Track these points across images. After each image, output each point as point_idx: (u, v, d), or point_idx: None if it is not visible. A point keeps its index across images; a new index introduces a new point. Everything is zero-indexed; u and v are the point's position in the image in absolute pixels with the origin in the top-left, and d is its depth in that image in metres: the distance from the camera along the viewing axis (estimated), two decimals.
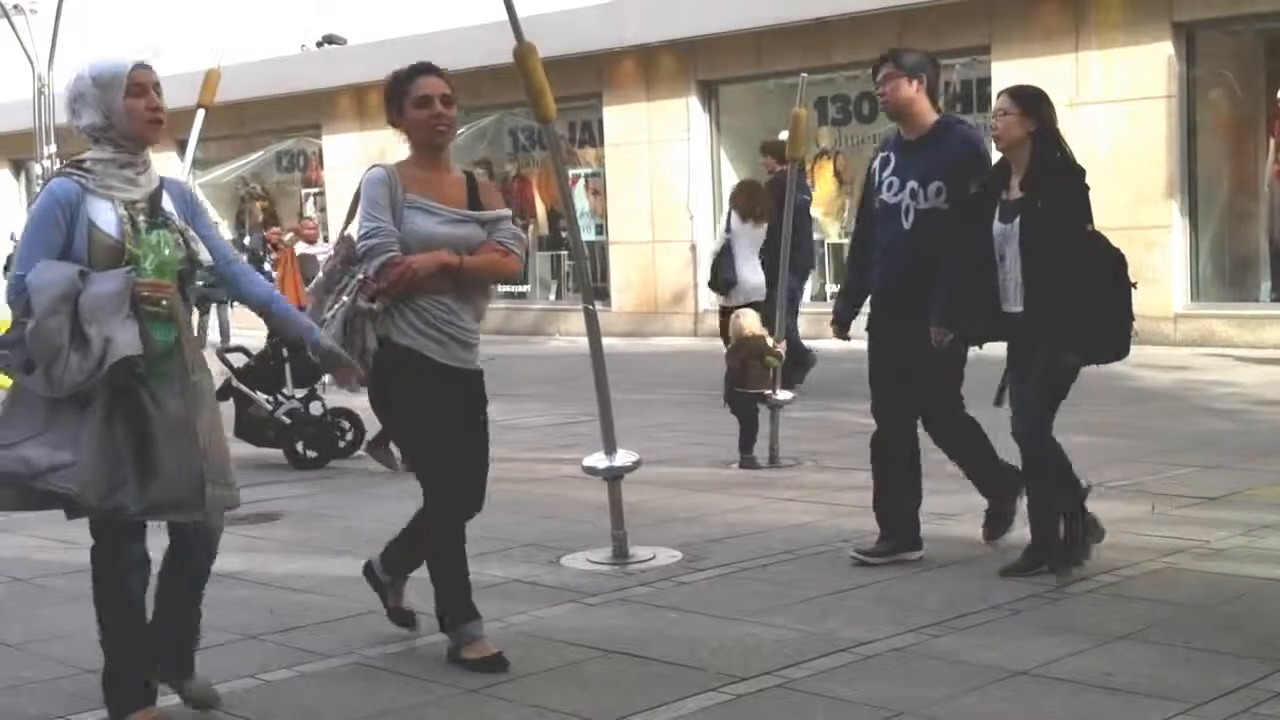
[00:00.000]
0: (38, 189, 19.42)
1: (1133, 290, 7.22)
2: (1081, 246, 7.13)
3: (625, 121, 25.18)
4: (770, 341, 11.19)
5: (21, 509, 5.28)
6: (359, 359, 5.97)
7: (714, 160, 24.62)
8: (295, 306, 6.25)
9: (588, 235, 24.89)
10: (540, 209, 27.68)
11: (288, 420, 11.90)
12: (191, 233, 5.47)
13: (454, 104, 6.21)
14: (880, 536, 7.73)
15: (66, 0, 18.97)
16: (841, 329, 8.03)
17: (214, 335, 27.69)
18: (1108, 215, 19.37)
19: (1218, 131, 20.21)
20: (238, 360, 12.25)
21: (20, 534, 9.27)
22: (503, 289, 24.58)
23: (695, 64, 24.26)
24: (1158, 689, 5.50)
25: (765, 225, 13.87)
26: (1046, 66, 19.81)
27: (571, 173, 24.46)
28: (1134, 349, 7.28)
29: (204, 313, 28.24)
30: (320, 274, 6.36)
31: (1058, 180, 7.19)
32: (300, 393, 12.09)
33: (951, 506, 8.36)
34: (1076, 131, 19.64)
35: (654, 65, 24.89)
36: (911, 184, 7.60)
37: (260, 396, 11.98)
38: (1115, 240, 7.31)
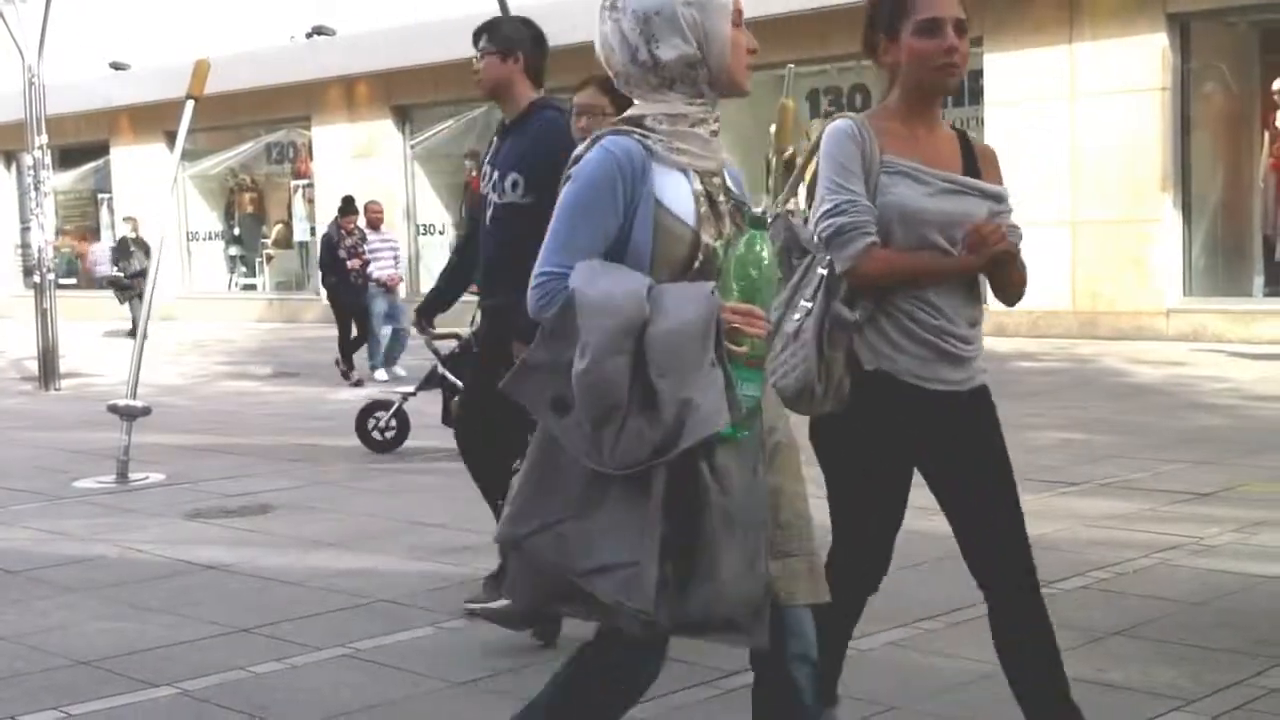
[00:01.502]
0: (29, 181, 19.48)
1: None
2: None
3: None
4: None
5: (541, 606, 3.90)
6: (833, 393, 4.33)
7: None
8: None
9: None
10: None
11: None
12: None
13: (967, 36, 4.47)
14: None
15: None
16: (418, 318, 7.42)
17: (124, 325, 27.85)
18: (1101, 208, 19.63)
19: (1212, 124, 20.25)
20: (446, 347, 11.31)
21: (15, 526, 9.30)
22: None
23: None
24: (1151, 685, 5.49)
25: None
26: (1039, 58, 19.85)
27: None
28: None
29: (122, 302, 28.25)
30: None
31: None
32: None
33: None
34: (1070, 124, 19.74)
35: None
36: (495, 174, 6.81)
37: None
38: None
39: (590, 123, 6.31)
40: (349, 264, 18.71)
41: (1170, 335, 18.80)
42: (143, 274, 27.18)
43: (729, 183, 3.85)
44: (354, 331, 18.83)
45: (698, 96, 3.76)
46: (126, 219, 29.59)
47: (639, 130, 3.71)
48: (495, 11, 7.81)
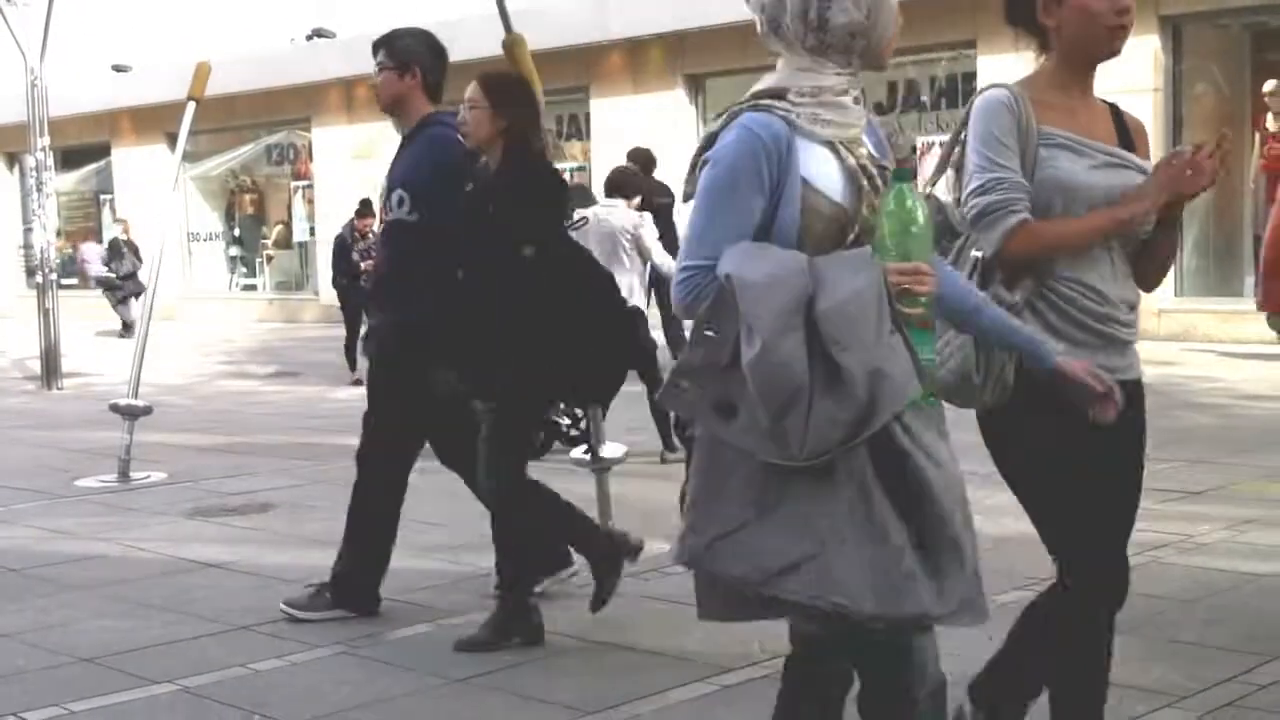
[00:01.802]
0: (31, 182, 19.52)
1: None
2: (508, 267, 6.14)
3: (612, 115, 25.20)
4: None
5: (736, 618, 3.60)
6: (994, 383, 3.89)
7: None
8: None
9: None
10: None
11: None
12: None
13: None
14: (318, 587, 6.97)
15: None
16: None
17: (115, 325, 27.96)
18: None
19: (1203, 126, 20.25)
20: None
21: (17, 525, 9.34)
22: None
23: (682, 57, 24.29)
24: (1143, 683, 5.50)
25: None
26: (1032, 60, 19.89)
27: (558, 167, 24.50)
28: None
29: (118, 302, 28.33)
30: None
31: (513, 188, 6.23)
32: None
33: None
34: None
35: (641, 58, 24.91)
36: (386, 190, 6.80)
37: None
38: None
39: (467, 115, 6.29)
40: (362, 265, 18.71)
41: (1161, 335, 18.79)
42: (133, 275, 27.36)
43: (870, 148, 3.56)
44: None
45: (846, 66, 3.50)
46: (117, 220, 29.57)
47: (780, 104, 3.42)
48: (492, 14, 7.83)
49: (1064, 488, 4.02)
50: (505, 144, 6.24)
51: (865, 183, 3.43)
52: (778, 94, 3.44)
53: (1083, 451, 3.95)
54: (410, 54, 6.79)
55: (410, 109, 6.80)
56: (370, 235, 18.89)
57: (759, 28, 3.53)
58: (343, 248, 18.94)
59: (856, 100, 3.50)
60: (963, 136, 4.08)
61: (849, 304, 3.16)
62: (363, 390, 7.18)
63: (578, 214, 12.26)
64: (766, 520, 3.24)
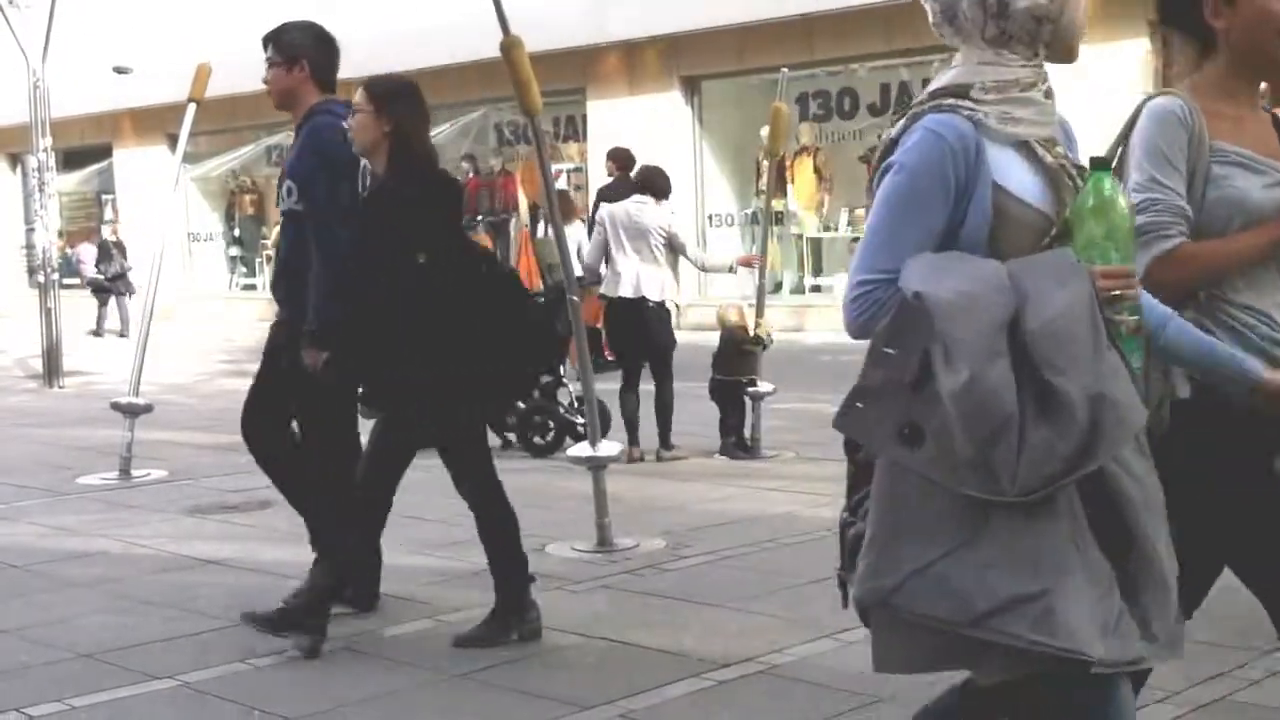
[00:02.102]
0: (34, 182, 19.52)
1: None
2: (394, 275, 6.10)
3: (609, 116, 25.22)
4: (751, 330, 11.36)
5: (926, 668, 3.18)
6: (1155, 411, 3.44)
7: (696, 155, 24.68)
8: None
9: None
10: (523, 203, 27.74)
11: (522, 405, 11.41)
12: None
13: None
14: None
15: None
16: None
17: (113, 324, 27.99)
18: None
19: None
20: None
21: (19, 522, 9.37)
22: None
23: (678, 59, 24.33)
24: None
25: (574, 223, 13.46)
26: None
27: (555, 168, 24.56)
28: None
29: (103, 304, 28.39)
30: None
31: (401, 192, 6.15)
32: (546, 378, 11.39)
33: None
34: None
35: (638, 60, 24.94)
36: (278, 182, 6.81)
37: None
38: None
39: (352, 121, 6.29)
40: None
41: None
42: (122, 276, 27.40)
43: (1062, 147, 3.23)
44: None
45: (1032, 58, 3.18)
46: (106, 221, 29.51)
47: (965, 104, 3.11)
48: (490, 17, 7.86)
49: (1258, 519, 3.66)
50: (390, 147, 6.18)
51: (1069, 183, 3.12)
52: (959, 92, 3.13)
53: (1264, 482, 3.64)
54: (297, 47, 6.80)
55: (300, 102, 6.81)
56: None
57: (931, 18, 3.26)
58: None
59: (1048, 95, 3.19)
60: (1125, 144, 3.74)
61: (1059, 320, 2.82)
62: None
63: (598, 214, 12.30)
64: (969, 554, 2.84)
